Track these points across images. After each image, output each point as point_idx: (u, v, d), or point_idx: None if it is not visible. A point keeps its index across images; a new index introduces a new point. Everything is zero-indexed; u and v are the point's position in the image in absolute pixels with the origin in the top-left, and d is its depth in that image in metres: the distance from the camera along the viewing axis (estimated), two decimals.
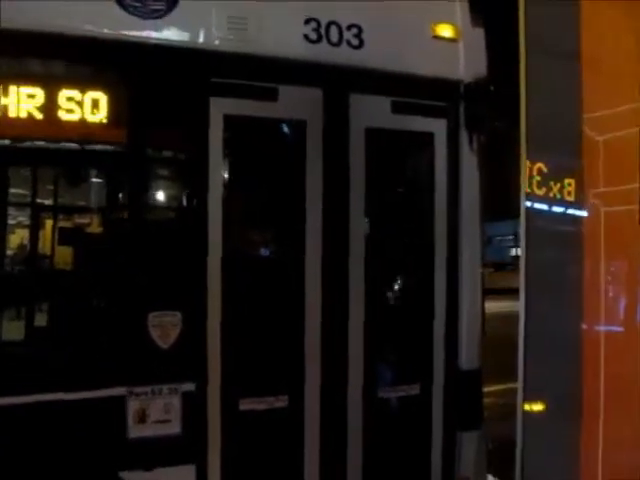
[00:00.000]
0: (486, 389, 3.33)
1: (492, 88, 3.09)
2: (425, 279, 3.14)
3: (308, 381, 2.88)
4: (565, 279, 2.00)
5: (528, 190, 2.20)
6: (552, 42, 2.22)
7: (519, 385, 2.06)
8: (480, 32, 3.17)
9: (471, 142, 3.12)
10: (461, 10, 3.14)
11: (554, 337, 1.99)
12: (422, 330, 3.12)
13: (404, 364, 3.17)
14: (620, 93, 2.00)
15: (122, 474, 2.55)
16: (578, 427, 1.86)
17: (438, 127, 3.12)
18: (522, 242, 2.16)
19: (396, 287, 3.23)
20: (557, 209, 2.22)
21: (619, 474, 1.78)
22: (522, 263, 2.10)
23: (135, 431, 2.59)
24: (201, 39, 2.72)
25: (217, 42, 2.74)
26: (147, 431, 2.60)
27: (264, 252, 3.09)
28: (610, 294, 1.92)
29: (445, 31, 3.09)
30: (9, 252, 2.65)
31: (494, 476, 3.39)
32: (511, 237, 29.56)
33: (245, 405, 2.78)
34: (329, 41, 2.91)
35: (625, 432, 1.78)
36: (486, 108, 3.10)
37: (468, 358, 3.13)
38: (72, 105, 2.54)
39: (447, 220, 3.11)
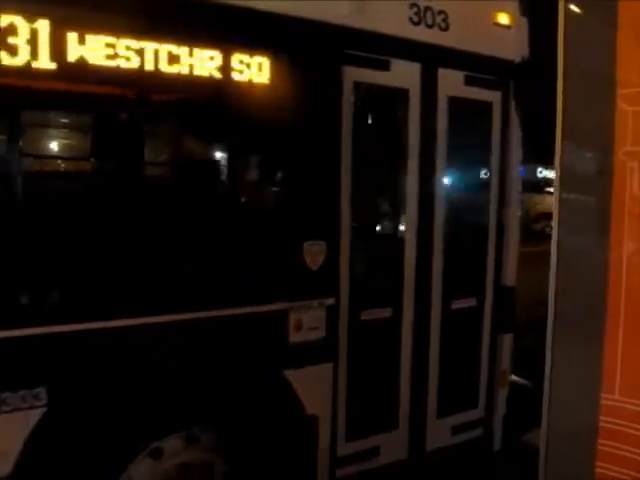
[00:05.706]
0: None
1: (535, 69, 3.95)
2: (482, 218, 4.02)
3: (405, 296, 3.68)
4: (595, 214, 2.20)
5: None
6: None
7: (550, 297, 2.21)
8: (525, 20, 4.00)
9: (517, 109, 3.99)
10: (513, 1, 3.94)
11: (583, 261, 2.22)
12: (480, 257, 4.03)
13: (467, 283, 4.05)
14: None
15: (286, 372, 3.21)
16: (601, 342, 2.05)
17: (495, 97, 3.95)
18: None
19: (464, 225, 4.05)
20: None
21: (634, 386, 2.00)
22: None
23: (294, 337, 3.23)
24: (334, 14, 3.21)
25: (347, 19, 3.28)
26: (302, 337, 3.25)
27: (380, 194, 3.80)
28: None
29: (503, 19, 3.88)
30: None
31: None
32: None
33: (365, 315, 3.53)
34: (426, 23, 3.58)
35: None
36: (529, 84, 3.96)
37: (509, 277, 4.11)
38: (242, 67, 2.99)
39: (499, 168, 4.00)
